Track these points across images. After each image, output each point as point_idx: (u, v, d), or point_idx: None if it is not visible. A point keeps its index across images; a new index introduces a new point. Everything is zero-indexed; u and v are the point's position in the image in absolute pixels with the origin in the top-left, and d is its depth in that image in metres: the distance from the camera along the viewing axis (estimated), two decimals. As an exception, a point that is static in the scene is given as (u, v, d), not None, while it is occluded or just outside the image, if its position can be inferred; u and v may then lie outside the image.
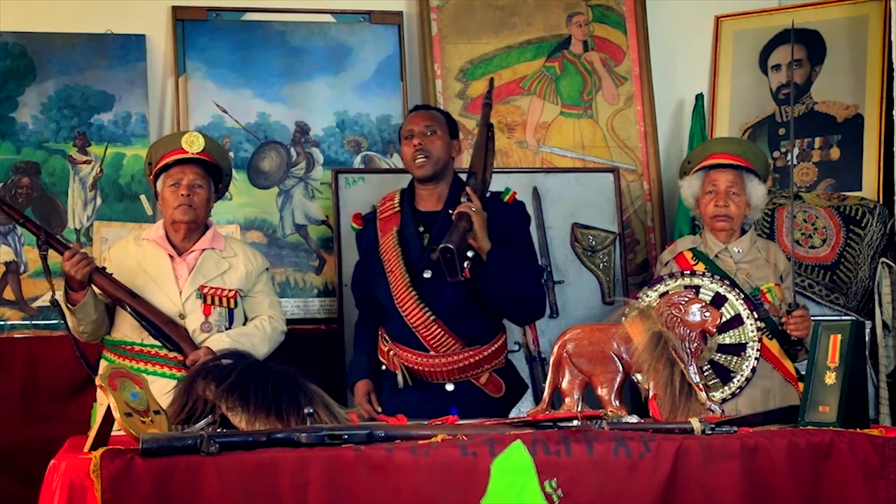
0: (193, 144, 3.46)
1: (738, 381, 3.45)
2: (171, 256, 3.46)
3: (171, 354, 3.36)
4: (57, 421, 3.89)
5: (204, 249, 3.49)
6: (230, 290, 3.47)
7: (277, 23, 4.39)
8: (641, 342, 2.75)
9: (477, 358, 3.40)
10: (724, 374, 3.46)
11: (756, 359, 3.45)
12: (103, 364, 3.40)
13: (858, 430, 2.55)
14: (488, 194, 3.45)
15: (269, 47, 4.37)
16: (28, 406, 3.98)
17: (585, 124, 4.59)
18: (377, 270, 3.47)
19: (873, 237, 4.21)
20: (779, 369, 3.50)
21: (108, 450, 2.22)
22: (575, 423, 2.47)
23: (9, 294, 4.06)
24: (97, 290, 3.38)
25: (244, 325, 3.52)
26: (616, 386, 2.80)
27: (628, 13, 4.68)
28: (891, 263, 4.22)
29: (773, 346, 3.50)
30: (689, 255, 3.65)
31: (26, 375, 3.99)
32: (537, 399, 3.84)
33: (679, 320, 2.81)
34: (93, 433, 2.34)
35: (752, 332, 3.45)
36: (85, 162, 4.19)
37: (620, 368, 2.80)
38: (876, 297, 4.21)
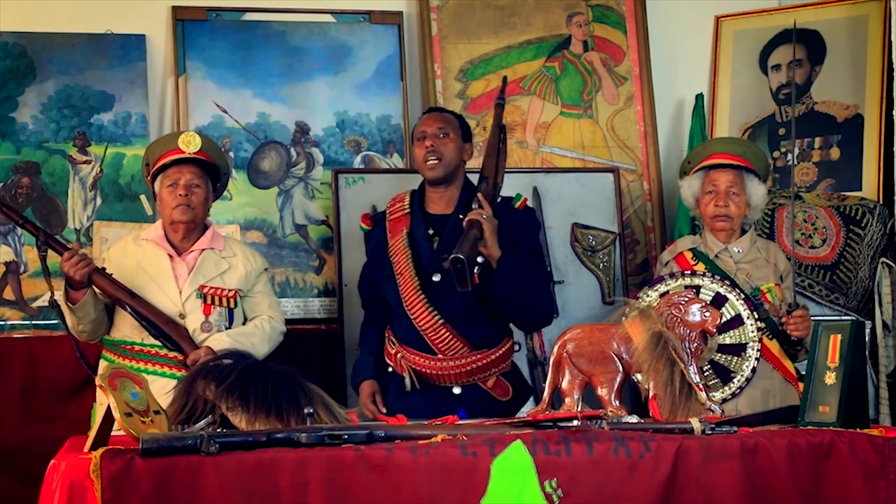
0: (190, 144, 3.46)
1: (738, 381, 3.45)
2: (170, 256, 3.46)
3: (172, 354, 3.36)
4: (57, 421, 3.89)
5: (203, 249, 3.49)
6: (230, 290, 3.47)
7: (277, 23, 4.39)
8: (641, 342, 2.75)
9: (484, 361, 3.40)
10: (725, 374, 3.46)
11: (756, 359, 3.45)
12: (103, 364, 3.40)
13: (858, 430, 2.55)
14: (499, 199, 3.44)
15: (269, 47, 4.37)
16: (28, 406, 3.98)
17: (585, 124, 4.59)
18: (386, 272, 3.46)
19: (873, 237, 4.22)
20: (779, 369, 3.50)
21: (108, 450, 2.22)
22: (575, 423, 2.47)
23: (9, 294, 4.06)
24: (97, 291, 3.38)
25: (244, 324, 3.52)
26: (616, 386, 2.80)
27: (628, 13, 4.68)
28: (891, 263, 4.22)
29: (774, 346, 3.50)
30: (689, 255, 3.65)
31: (26, 375, 3.99)
32: (538, 400, 3.84)
33: (679, 320, 2.82)
34: (93, 433, 2.34)
35: (753, 332, 3.45)
36: (85, 162, 4.19)
37: (620, 368, 2.80)
38: (876, 297, 4.21)
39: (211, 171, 3.52)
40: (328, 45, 4.42)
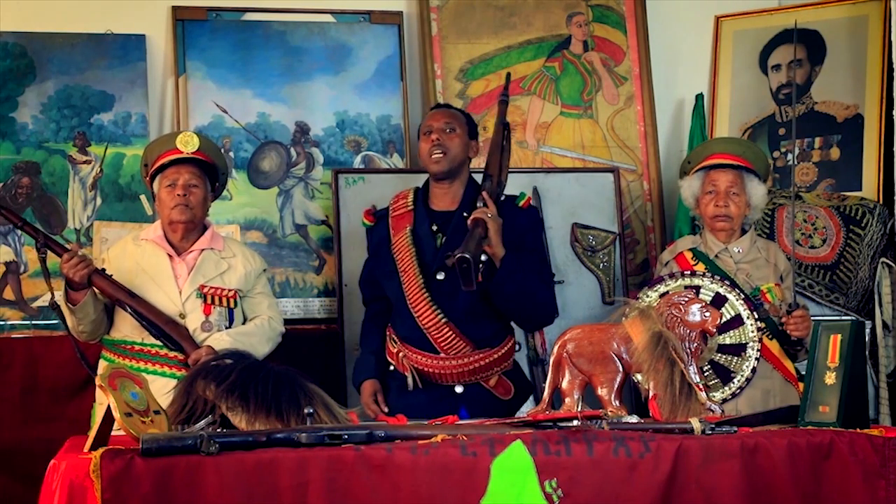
0: (188, 144, 3.46)
1: (738, 381, 3.45)
2: (169, 256, 3.46)
3: (172, 353, 3.36)
4: (57, 421, 3.89)
5: (203, 249, 3.49)
6: (230, 290, 3.47)
7: (277, 23, 4.39)
8: (641, 342, 2.75)
9: (487, 360, 3.40)
10: (725, 374, 3.46)
11: (756, 359, 3.45)
12: (103, 364, 3.40)
13: (858, 430, 2.55)
14: (503, 197, 3.44)
15: (269, 47, 4.37)
16: (28, 406, 3.98)
17: (585, 124, 4.59)
18: (388, 268, 3.46)
19: (873, 237, 4.22)
20: (779, 369, 3.50)
21: (108, 450, 2.22)
22: (575, 423, 2.47)
23: (9, 294, 4.06)
24: (97, 291, 3.38)
25: (243, 324, 3.52)
26: (616, 386, 2.79)
27: (628, 13, 4.68)
28: (891, 263, 4.22)
29: (774, 346, 3.50)
30: (689, 255, 3.65)
31: (26, 375, 3.99)
32: (538, 400, 3.84)
33: (679, 320, 2.81)
34: (93, 433, 2.34)
35: (753, 332, 3.45)
36: (85, 162, 4.19)
37: (620, 368, 2.80)
38: (876, 297, 4.21)
39: (209, 170, 3.51)
40: (328, 45, 4.42)
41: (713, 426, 2.50)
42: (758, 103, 4.68)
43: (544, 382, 2.95)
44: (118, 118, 4.22)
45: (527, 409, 3.36)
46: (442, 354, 3.37)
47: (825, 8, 4.64)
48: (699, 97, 4.54)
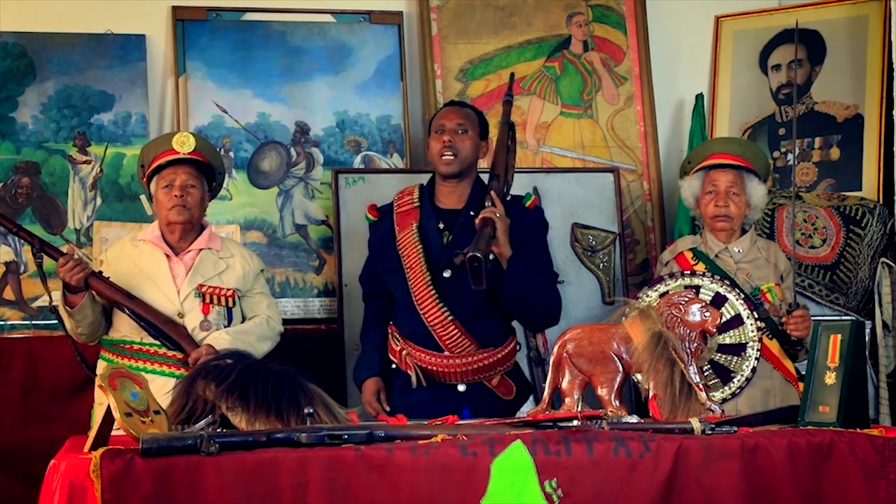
0: (184, 145, 3.46)
1: (738, 381, 3.45)
2: (167, 256, 3.46)
3: (171, 353, 3.36)
4: (57, 421, 3.89)
5: (201, 249, 3.49)
6: (228, 290, 3.47)
7: (277, 23, 4.39)
8: (641, 342, 2.75)
9: (491, 360, 3.40)
10: (724, 374, 3.46)
11: (756, 359, 3.45)
12: (102, 364, 3.41)
13: (858, 430, 2.55)
14: (509, 197, 3.44)
15: (269, 47, 4.37)
16: (28, 406, 3.98)
17: (585, 124, 4.59)
18: (392, 265, 3.45)
19: (873, 237, 4.22)
20: (779, 369, 3.50)
21: (108, 450, 2.22)
22: (575, 423, 2.46)
23: (9, 294, 4.06)
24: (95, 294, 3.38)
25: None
26: (616, 386, 2.79)
27: (628, 13, 4.68)
28: (891, 263, 4.22)
29: (774, 346, 3.50)
30: (689, 254, 3.65)
31: (26, 375, 3.99)
32: (538, 400, 3.84)
33: (679, 320, 2.81)
34: (93, 433, 2.34)
35: (752, 332, 3.45)
36: (85, 162, 4.19)
37: (620, 368, 2.80)
38: (876, 297, 4.21)
39: (206, 170, 3.51)
40: (328, 45, 4.42)
41: (713, 426, 2.50)
42: (758, 103, 4.68)
43: (545, 383, 2.95)
44: (118, 118, 4.22)
45: (527, 409, 3.36)
46: (446, 353, 3.37)
47: (825, 8, 4.64)
48: (699, 97, 4.54)
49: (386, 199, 3.65)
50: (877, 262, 4.22)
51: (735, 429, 2.52)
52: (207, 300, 3.43)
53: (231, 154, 4.25)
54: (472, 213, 3.37)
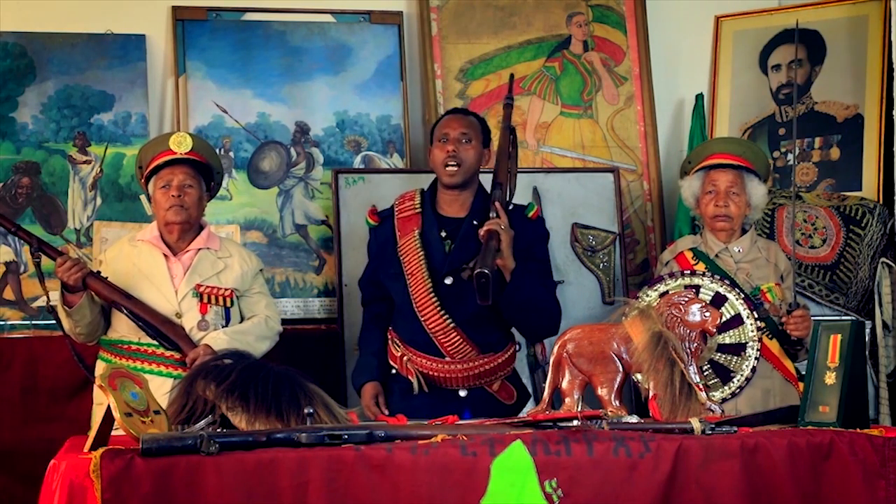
0: (181, 145, 3.46)
1: (738, 380, 3.45)
2: (165, 256, 3.46)
3: (169, 353, 3.36)
4: (57, 421, 3.89)
5: (199, 249, 3.49)
6: (226, 290, 3.47)
7: (277, 23, 4.39)
8: (641, 342, 2.75)
9: (492, 365, 3.40)
10: (724, 374, 3.46)
11: (756, 359, 3.45)
12: (101, 364, 3.41)
13: (858, 430, 2.55)
14: (511, 206, 3.43)
15: (269, 47, 4.37)
16: (28, 406, 3.98)
17: (585, 124, 4.59)
18: (393, 270, 3.44)
19: (873, 237, 4.21)
20: (779, 369, 3.50)
21: (108, 450, 2.22)
22: (575, 423, 2.46)
23: (9, 294, 4.06)
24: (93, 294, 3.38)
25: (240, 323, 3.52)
26: (616, 386, 2.79)
27: (628, 13, 4.68)
28: (891, 263, 4.22)
29: (774, 345, 3.50)
30: (689, 254, 3.65)
31: (26, 375, 3.99)
32: (537, 401, 3.84)
33: (679, 320, 2.81)
34: (93, 433, 2.34)
35: (752, 331, 3.45)
36: (85, 162, 4.19)
37: (620, 368, 2.80)
38: (876, 297, 4.21)
39: (204, 170, 3.51)
40: (328, 45, 4.42)
41: (713, 426, 2.50)
42: (758, 103, 4.68)
43: (544, 385, 2.95)
44: (118, 118, 4.22)
45: (527, 410, 3.36)
46: (447, 358, 3.37)
47: (825, 8, 4.64)
48: (699, 97, 4.54)
49: (386, 199, 3.65)
50: (877, 262, 4.22)
51: (735, 429, 2.52)
52: (205, 300, 3.43)
53: (231, 154, 4.25)
54: (474, 222, 3.37)
